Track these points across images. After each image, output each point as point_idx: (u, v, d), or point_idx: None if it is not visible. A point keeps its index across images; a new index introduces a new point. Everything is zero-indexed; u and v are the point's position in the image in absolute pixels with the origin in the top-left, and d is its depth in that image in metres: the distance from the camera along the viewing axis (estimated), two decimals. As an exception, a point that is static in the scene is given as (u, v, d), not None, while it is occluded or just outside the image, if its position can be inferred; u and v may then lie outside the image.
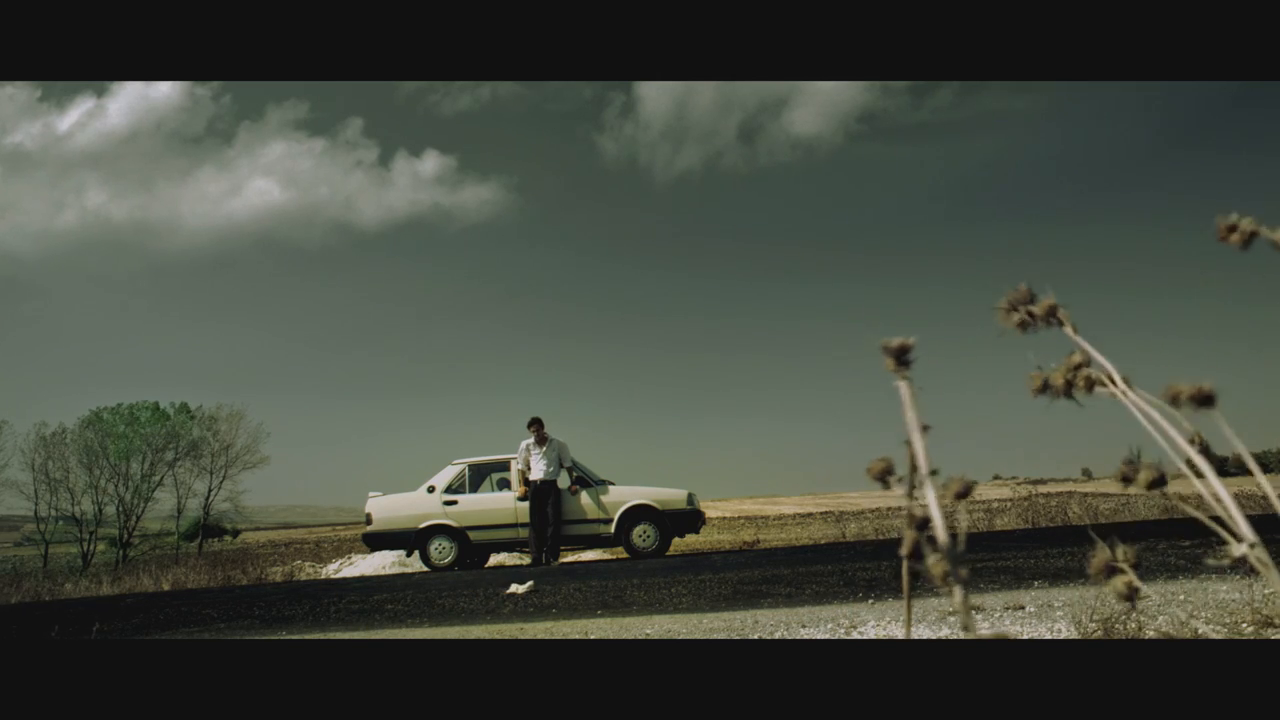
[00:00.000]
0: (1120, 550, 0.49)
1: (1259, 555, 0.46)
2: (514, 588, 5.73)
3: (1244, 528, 0.47)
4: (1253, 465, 0.54)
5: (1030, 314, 0.55)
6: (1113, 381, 0.52)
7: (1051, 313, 0.55)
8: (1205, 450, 0.49)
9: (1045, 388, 0.53)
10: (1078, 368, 0.53)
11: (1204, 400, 0.49)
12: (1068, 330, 0.54)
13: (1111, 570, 0.49)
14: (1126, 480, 0.50)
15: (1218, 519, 0.48)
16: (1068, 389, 0.53)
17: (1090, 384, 0.52)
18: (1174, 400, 0.50)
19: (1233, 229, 0.53)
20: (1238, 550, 0.47)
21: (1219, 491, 0.47)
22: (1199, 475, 0.48)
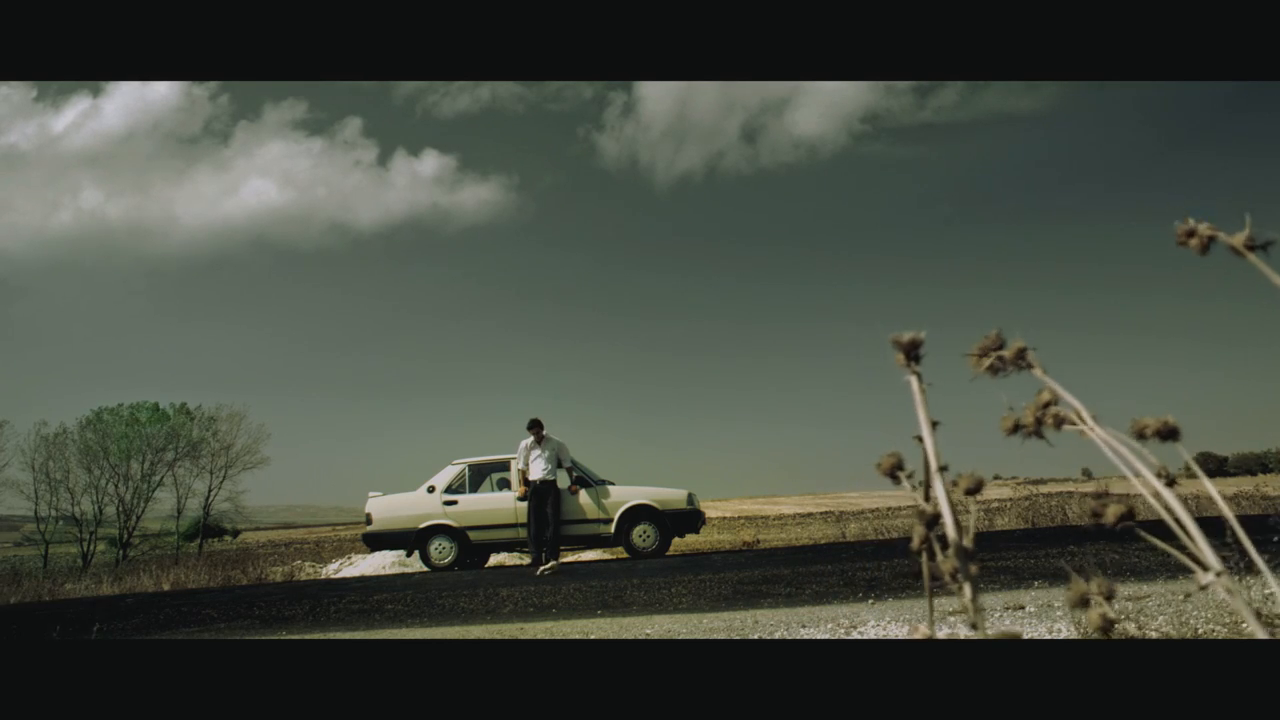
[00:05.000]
0: (1095, 584, 0.50)
1: (1225, 584, 0.48)
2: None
3: (1209, 556, 0.48)
4: (1203, 477, 0.56)
5: (1001, 358, 0.57)
6: (1081, 419, 0.54)
7: (1021, 355, 0.57)
8: (1172, 483, 0.51)
9: (1017, 428, 0.56)
10: (1046, 406, 0.55)
11: (1169, 434, 0.52)
12: (1036, 372, 0.57)
13: (1086, 602, 0.50)
14: (1096, 515, 0.51)
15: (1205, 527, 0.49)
16: (1038, 427, 0.55)
17: (1059, 421, 0.55)
18: (1140, 435, 0.52)
19: (1191, 233, 0.55)
20: (1204, 579, 0.48)
21: (1185, 523, 0.49)
22: (1169, 510, 0.50)
